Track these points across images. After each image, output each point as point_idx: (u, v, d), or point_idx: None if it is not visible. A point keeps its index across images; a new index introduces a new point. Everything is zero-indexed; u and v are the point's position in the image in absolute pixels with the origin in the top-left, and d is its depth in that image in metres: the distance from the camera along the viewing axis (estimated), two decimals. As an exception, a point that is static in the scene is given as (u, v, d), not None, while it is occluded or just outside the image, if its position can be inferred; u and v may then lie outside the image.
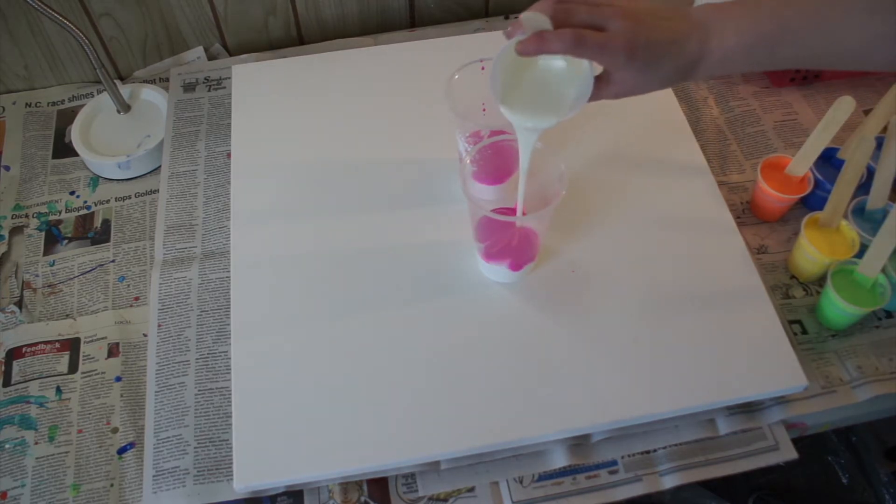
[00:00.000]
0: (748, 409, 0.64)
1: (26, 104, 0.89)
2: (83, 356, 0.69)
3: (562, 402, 0.61)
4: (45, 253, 0.76)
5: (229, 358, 0.66)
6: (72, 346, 0.70)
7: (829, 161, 0.74)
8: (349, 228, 0.72)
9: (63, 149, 0.85)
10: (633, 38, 0.50)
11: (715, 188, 0.74)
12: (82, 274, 0.75)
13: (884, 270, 0.64)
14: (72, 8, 0.83)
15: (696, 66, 0.53)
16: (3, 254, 0.76)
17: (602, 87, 0.53)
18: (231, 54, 0.94)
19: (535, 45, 0.50)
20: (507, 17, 0.96)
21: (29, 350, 0.70)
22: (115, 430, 0.65)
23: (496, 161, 0.66)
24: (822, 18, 0.51)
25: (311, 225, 0.72)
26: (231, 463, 0.59)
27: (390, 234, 0.71)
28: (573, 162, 0.75)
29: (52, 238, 0.78)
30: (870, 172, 0.71)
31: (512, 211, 0.68)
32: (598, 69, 0.53)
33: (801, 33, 0.51)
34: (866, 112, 0.84)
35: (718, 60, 0.52)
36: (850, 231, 0.68)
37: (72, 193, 0.81)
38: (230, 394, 0.63)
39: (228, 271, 0.71)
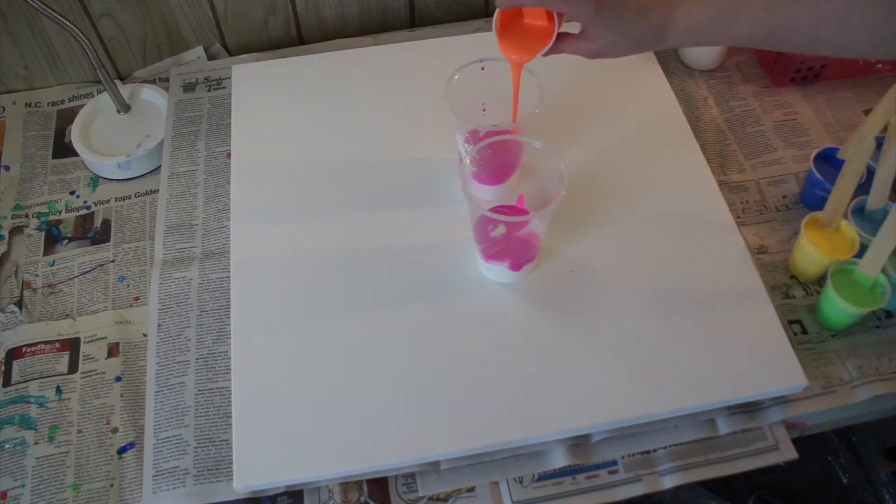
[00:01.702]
0: (748, 409, 0.64)
1: (26, 104, 0.89)
2: (83, 356, 0.69)
3: (562, 402, 0.61)
4: (45, 253, 0.76)
5: (229, 358, 0.66)
6: (72, 346, 0.70)
7: (828, 161, 0.74)
8: (349, 228, 0.72)
9: (63, 149, 0.85)
10: None
11: (715, 188, 0.74)
12: (82, 274, 0.75)
13: (884, 270, 0.64)
14: (72, 8, 0.83)
15: (663, 33, 0.57)
16: (3, 254, 0.76)
17: (580, 41, 0.58)
18: (231, 54, 0.94)
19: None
20: (507, 17, 0.96)
21: (29, 350, 0.70)
22: (115, 430, 0.65)
23: (496, 161, 0.66)
24: None
25: (311, 225, 0.72)
26: (231, 463, 0.59)
27: (390, 234, 0.71)
28: (573, 162, 0.75)
29: (52, 238, 0.78)
30: (870, 172, 0.71)
31: (511, 208, 0.69)
32: (575, 28, 0.58)
33: (756, 10, 0.54)
34: (866, 112, 0.84)
35: (684, 29, 0.57)
36: (850, 231, 0.68)
37: (72, 193, 0.81)
38: (230, 394, 0.63)
39: (228, 271, 0.71)
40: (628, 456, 0.63)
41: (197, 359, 0.67)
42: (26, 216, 0.79)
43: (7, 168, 0.83)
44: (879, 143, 0.70)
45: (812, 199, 0.76)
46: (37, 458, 0.64)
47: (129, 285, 0.74)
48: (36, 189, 0.82)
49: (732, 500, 1.10)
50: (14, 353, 0.69)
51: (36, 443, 0.64)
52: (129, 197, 0.81)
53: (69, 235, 0.78)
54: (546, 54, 0.60)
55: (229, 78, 0.87)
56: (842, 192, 0.67)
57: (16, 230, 0.78)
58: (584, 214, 0.72)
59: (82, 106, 0.86)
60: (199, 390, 0.66)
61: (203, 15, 0.89)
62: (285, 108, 0.81)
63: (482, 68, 0.67)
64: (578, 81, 0.84)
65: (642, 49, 0.59)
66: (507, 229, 0.64)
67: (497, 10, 0.59)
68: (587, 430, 0.62)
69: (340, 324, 0.66)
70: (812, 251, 0.67)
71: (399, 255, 0.70)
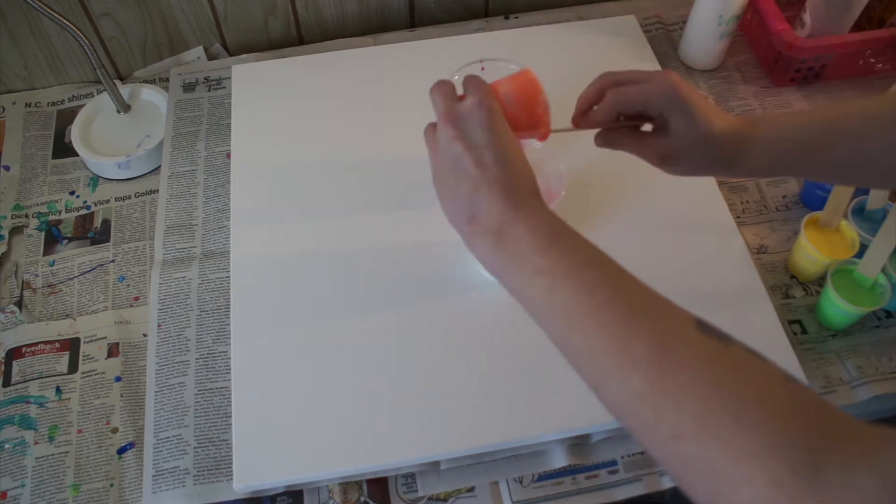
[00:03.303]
0: (748, 409, 0.64)
1: (26, 104, 0.89)
2: (83, 356, 0.69)
3: (562, 402, 0.61)
4: (45, 253, 0.76)
5: (229, 358, 0.66)
6: (72, 346, 0.70)
7: (829, 161, 0.74)
8: (349, 228, 0.72)
9: (63, 149, 0.85)
10: (680, 81, 0.51)
11: (715, 188, 0.74)
12: (82, 274, 0.75)
13: (884, 270, 0.64)
14: (72, 8, 0.83)
15: (742, 147, 0.52)
16: (3, 254, 0.76)
17: (653, 139, 0.53)
18: (231, 54, 0.94)
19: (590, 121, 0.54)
20: (506, 17, 0.96)
21: (29, 350, 0.70)
22: (115, 430, 0.65)
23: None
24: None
25: (310, 225, 0.72)
26: (231, 463, 0.59)
27: (390, 234, 0.71)
28: (573, 162, 0.75)
29: (52, 238, 0.78)
30: (870, 172, 0.71)
31: None
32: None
33: (853, 138, 0.51)
34: (866, 112, 0.84)
35: (770, 143, 0.52)
36: (849, 231, 0.68)
37: (72, 193, 0.81)
38: (230, 394, 0.63)
39: (228, 271, 0.71)
40: (628, 456, 0.63)
41: (197, 359, 0.67)
42: (26, 216, 0.79)
43: (7, 168, 0.83)
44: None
45: (812, 199, 0.76)
46: (37, 458, 0.64)
47: (129, 285, 0.74)
48: (36, 189, 0.82)
49: (732, 500, 1.10)
50: (14, 353, 0.69)
51: (36, 443, 0.64)
52: (129, 197, 0.81)
53: (69, 235, 0.78)
54: (604, 144, 0.56)
55: (229, 78, 0.87)
56: (842, 191, 0.67)
57: (16, 230, 0.78)
58: (584, 214, 0.72)
59: (82, 106, 0.86)
60: (199, 390, 0.66)
61: (203, 15, 0.89)
62: (285, 108, 0.81)
63: (482, 68, 0.67)
64: (578, 82, 0.84)
65: (716, 167, 0.53)
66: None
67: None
68: (587, 430, 0.62)
69: (340, 324, 0.66)
70: (812, 251, 0.67)
71: (399, 255, 0.70)
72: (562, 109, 0.80)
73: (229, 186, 0.76)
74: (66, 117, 0.88)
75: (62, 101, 0.90)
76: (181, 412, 0.64)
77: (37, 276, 0.75)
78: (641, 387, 0.35)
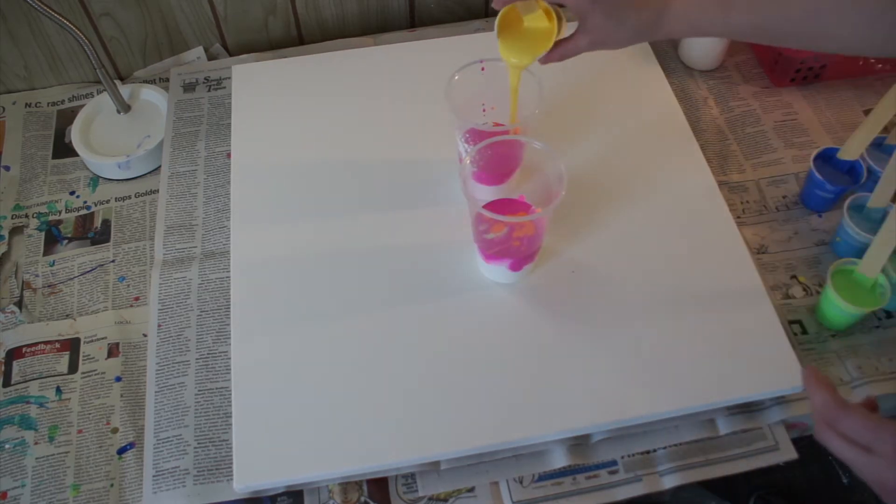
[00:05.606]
0: (748, 409, 0.64)
1: (26, 104, 0.89)
2: (83, 356, 0.69)
3: (562, 402, 0.61)
4: (45, 253, 0.76)
5: (229, 358, 0.66)
6: (72, 346, 0.70)
7: (828, 161, 0.74)
8: (349, 228, 0.72)
9: (63, 149, 0.85)
10: None
11: (715, 188, 0.74)
12: (82, 274, 0.75)
13: (884, 270, 0.64)
14: (72, 8, 0.83)
15: (661, 20, 0.57)
16: (3, 254, 0.76)
17: (578, 37, 0.59)
18: (231, 54, 0.94)
19: None
20: (507, 17, 0.96)
21: (29, 350, 0.70)
22: (115, 430, 0.65)
23: (496, 161, 0.66)
24: None
25: (310, 225, 0.72)
26: (231, 463, 0.59)
27: (390, 234, 0.71)
28: (573, 162, 0.75)
29: (52, 238, 0.78)
30: (870, 172, 0.71)
31: (512, 202, 0.69)
32: (572, 28, 0.59)
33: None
34: (866, 112, 0.84)
35: (681, 17, 0.57)
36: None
37: (72, 193, 0.81)
38: (230, 394, 0.63)
39: (228, 271, 0.71)
40: (628, 456, 0.63)
41: (197, 359, 0.67)
42: (26, 216, 0.79)
43: (7, 168, 0.83)
44: (879, 143, 0.70)
45: (812, 199, 0.76)
46: (37, 458, 0.64)
47: (129, 285, 0.74)
48: (36, 189, 0.82)
49: (733, 500, 1.10)
50: (14, 354, 0.69)
51: (36, 443, 0.64)
52: (129, 197, 0.81)
53: (69, 235, 0.78)
54: (545, 61, 0.61)
55: (229, 78, 0.87)
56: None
57: (16, 230, 0.78)
58: (584, 214, 0.72)
59: (82, 106, 0.86)
60: (199, 390, 0.66)
61: (203, 15, 0.89)
62: (285, 108, 0.81)
63: (482, 68, 0.67)
64: (579, 82, 0.84)
65: (641, 38, 0.59)
66: (508, 229, 0.64)
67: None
68: (587, 430, 0.62)
69: (340, 324, 0.66)
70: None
71: (399, 255, 0.70)
72: (561, 109, 0.80)
73: (229, 186, 0.76)
74: (66, 117, 0.88)
75: (62, 101, 0.90)
76: (181, 412, 0.64)
77: (37, 276, 0.75)
78: None
